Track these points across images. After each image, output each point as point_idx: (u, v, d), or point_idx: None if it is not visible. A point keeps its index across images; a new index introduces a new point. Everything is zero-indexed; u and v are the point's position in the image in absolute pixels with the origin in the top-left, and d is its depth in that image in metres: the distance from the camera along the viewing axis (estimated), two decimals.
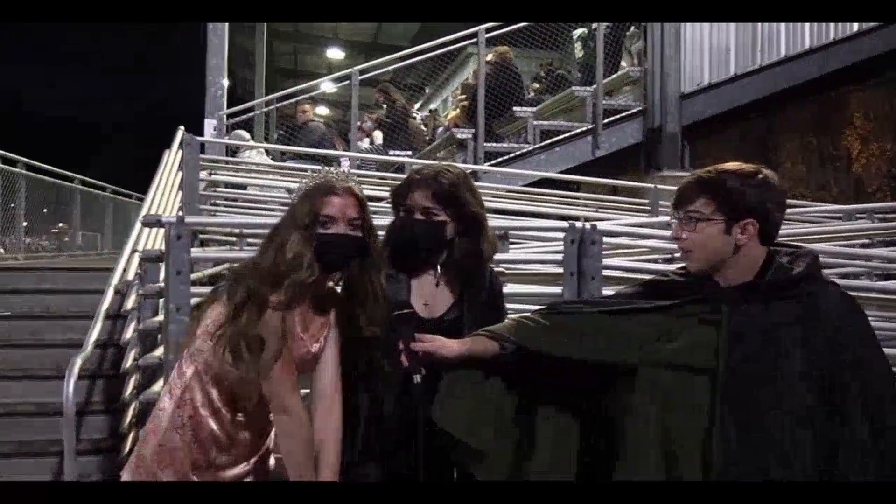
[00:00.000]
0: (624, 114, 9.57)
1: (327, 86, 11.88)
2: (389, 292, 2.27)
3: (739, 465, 1.89)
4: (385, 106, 10.09)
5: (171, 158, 6.59)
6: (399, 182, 2.45)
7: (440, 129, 10.58)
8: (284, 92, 10.40)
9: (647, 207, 7.63)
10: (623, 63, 9.98)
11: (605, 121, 9.31)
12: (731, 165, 2.03)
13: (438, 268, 2.38)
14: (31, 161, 9.91)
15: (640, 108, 9.60)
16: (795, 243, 2.17)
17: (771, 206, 1.98)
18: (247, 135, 9.49)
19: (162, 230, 3.44)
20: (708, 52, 9.75)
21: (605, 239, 3.68)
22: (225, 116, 9.50)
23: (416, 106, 13.32)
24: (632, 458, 2.00)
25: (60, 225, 12.76)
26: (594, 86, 9.36)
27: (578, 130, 9.30)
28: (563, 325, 2.15)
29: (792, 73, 9.30)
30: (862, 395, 1.90)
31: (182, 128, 6.99)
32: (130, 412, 4.42)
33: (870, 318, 2.09)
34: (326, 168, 2.28)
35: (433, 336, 2.17)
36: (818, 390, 1.90)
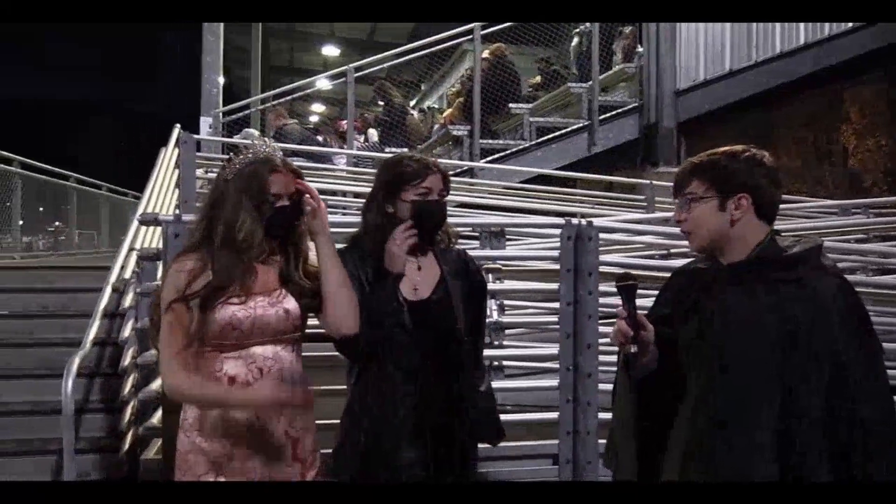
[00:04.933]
0: (620, 110, 9.59)
1: (323, 83, 11.87)
2: (377, 285, 2.39)
3: (738, 451, 1.91)
4: (382, 103, 10.09)
5: (168, 156, 6.59)
6: (405, 166, 2.50)
7: (436, 126, 10.59)
8: (280, 90, 10.38)
9: (643, 203, 7.65)
10: (616, 60, 10.01)
11: (602, 117, 9.33)
12: (722, 148, 2.09)
13: (421, 251, 2.51)
14: (27, 160, 9.89)
15: (636, 104, 9.62)
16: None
17: (763, 181, 2.02)
18: (256, 133, 9.47)
19: (159, 228, 3.44)
20: (703, 48, 9.77)
21: (602, 235, 3.70)
22: (221, 114, 9.51)
23: (412, 103, 13.32)
24: (667, 457, 2.04)
25: (56, 224, 12.74)
26: (590, 82, 9.37)
27: (574, 127, 9.31)
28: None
29: (787, 69, 9.32)
30: (844, 388, 1.89)
31: (178, 126, 6.99)
32: (129, 410, 4.41)
33: None
34: (256, 142, 2.37)
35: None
36: (800, 377, 1.90)
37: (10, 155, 9.23)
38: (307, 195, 2.29)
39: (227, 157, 2.38)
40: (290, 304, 2.27)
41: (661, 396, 2.08)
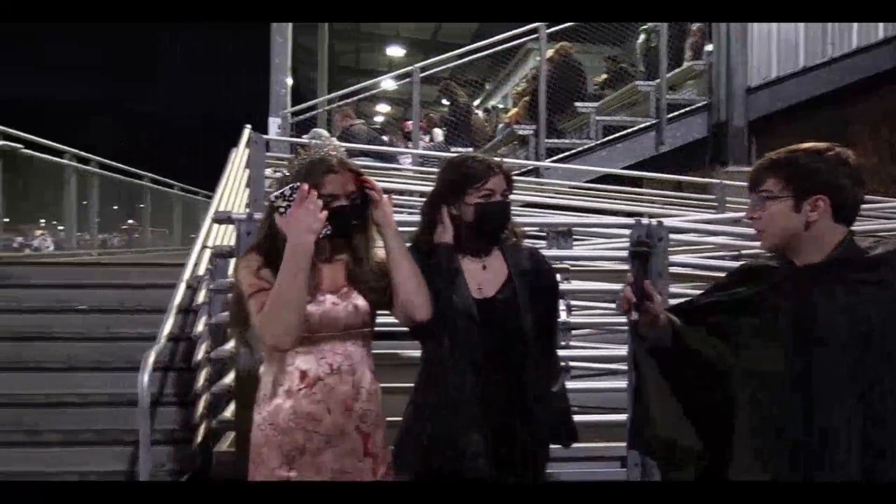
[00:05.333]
0: (688, 108, 9.42)
1: (388, 83, 11.96)
2: (443, 280, 2.39)
3: (816, 454, 1.87)
4: (448, 103, 10.12)
5: (239, 156, 6.72)
6: (468, 168, 2.50)
7: (501, 126, 10.58)
8: (346, 90, 10.50)
9: (713, 204, 7.51)
10: (685, 57, 9.85)
11: (669, 116, 9.19)
12: (804, 145, 2.01)
13: (486, 250, 2.52)
14: (104, 160, 10.20)
15: (705, 102, 9.44)
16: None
17: (846, 181, 1.95)
18: (325, 133, 9.59)
19: (232, 226, 3.53)
20: (776, 44, 9.53)
21: (672, 235, 3.65)
22: (289, 115, 9.66)
23: (476, 102, 13.32)
24: (734, 455, 1.99)
25: (130, 221, 13.11)
26: (657, 80, 9.23)
27: (642, 125, 9.19)
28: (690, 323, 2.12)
29: (864, 65, 9.03)
30: None
31: (248, 126, 7.13)
32: (202, 404, 4.53)
33: None
34: (316, 142, 2.43)
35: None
36: (876, 378, 1.85)
37: (89, 155, 9.53)
38: (369, 189, 2.31)
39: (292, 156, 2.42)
40: (359, 300, 2.30)
41: (679, 376, 2.08)
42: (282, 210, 2.18)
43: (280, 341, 2.18)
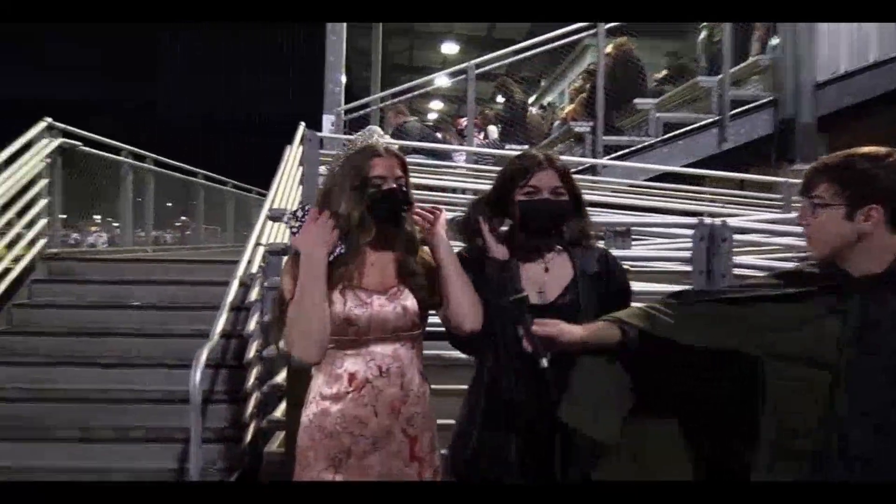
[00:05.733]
0: (753, 105, 9.19)
1: (442, 80, 11.95)
2: (500, 281, 2.34)
3: (865, 462, 1.82)
4: (503, 100, 10.07)
5: (293, 154, 6.78)
6: (514, 164, 2.45)
7: (556, 123, 10.48)
8: (400, 87, 10.51)
9: (779, 203, 7.32)
10: (751, 51, 9.62)
11: (733, 112, 8.97)
12: (863, 149, 1.93)
13: (547, 250, 2.43)
14: (159, 157, 10.38)
15: (771, 98, 9.20)
16: None
17: None
18: (379, 130, 9.60)
19: (285, 224, 3.53)
20: (846, 38, 9.24)
21: (736, 236, 3.57)
22: (342, 112, 9.71)
23: (532, 99, 13.24)
24: (750, 453, 1.96)
25: (183, 218, 13.34)
26: (720, 76, 9.04)
27: (704, 122, 9.00)
28: (689, 314, 2.10)
29: None
30: None
31: (303, 124, 7.18)
32: (252, 402, 4.56)
33: None
34: (361, 134, 2.43)
35: (554, 321, 2.17)
36: None
37: (144, 152, 9.71)
38: (422, 214, 2.34)
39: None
40: (409, 300, 2.29)
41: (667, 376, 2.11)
42: (294, 230, 2.26)
43: (305, 354, 2.20)
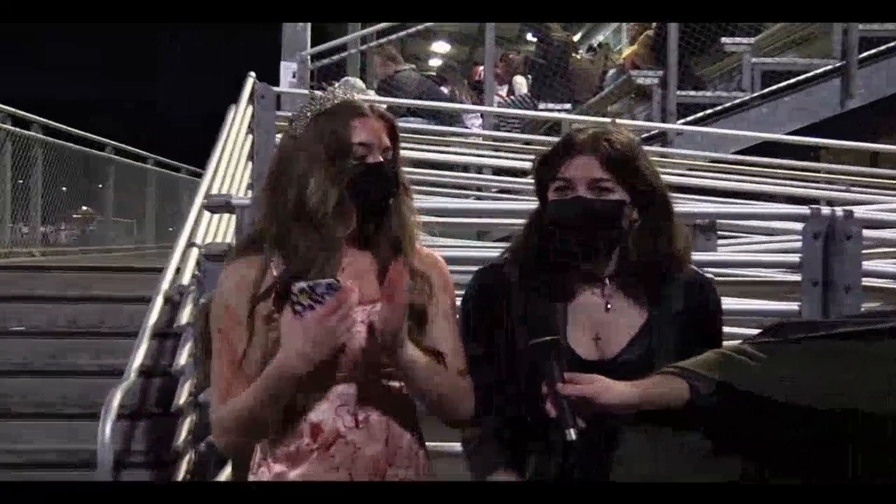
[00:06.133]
0: (892, 44, 9.22)
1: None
2: (537, 319, 2.18)
3: None
4: (535, 40, 10.11)
5: (239, 117, 6.80)
6: (549, 147, 2.36)
7: (611, 72, 10.51)
8: (389, 23, 10.49)
9: None
10: None
11: (862, 56, 9.00)
12: None
13: (608, 279, 2.28)
14: (50, 122, 10.39)
15: None
16: None
17: None
18: (361, 84, 9.59)
19: (232, 216, 3.58)
20: None
21: (866, 232, 3.60)
22: (308, 58, 9.73)
23: (577, 37, 13.26)
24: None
25: (84, 208, 13.31)
26: None
27: (820, 71, 9.03)
28: (787, 357, 2.11)
29: None
30: None
31: (253, 75, 7.21)
32: (184, 466, 4.59)
33: None
34: (334, 89, 2.41)
35: (591, 376, 2.08)
36: None
37: (30, 116, 9.76)
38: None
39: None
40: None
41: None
42: (299, 309, 2.06)
43: (226, 452, 2.24)
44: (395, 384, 2.26)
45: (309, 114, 2.29)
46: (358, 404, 2.23)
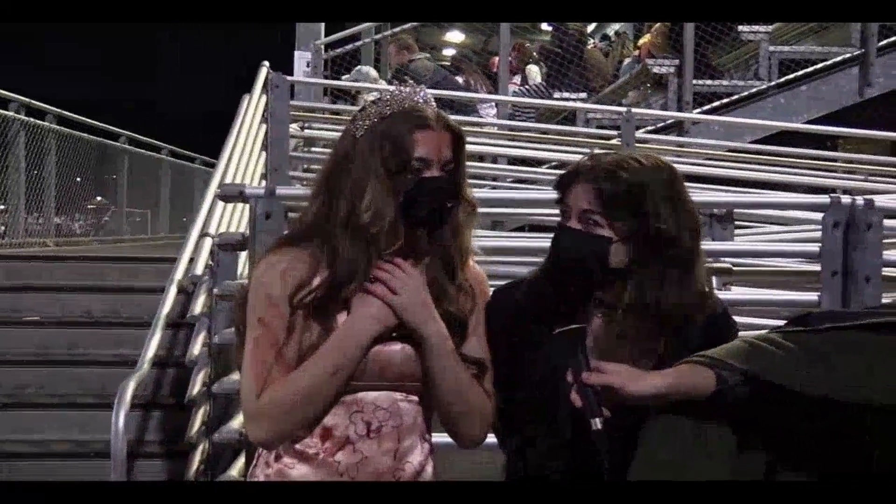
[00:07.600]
0: None
1: None
2: (555, 350, 2.11)
3: None
4: (550, 28, 10.09)
5: (252, 107, 6.79)
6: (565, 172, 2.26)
7: (627, 61, 10.49)
8: None
9: None
10: None
11: (882, 43, 8.95)
12: None
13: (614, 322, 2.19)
14: (64, 112, 10.40)
15: None
16: None
17: None
18: (374, 73, 9.59)
19: (245, 206, 3.56)
20: None
21: (887, 221, 3.57)
22: (322, 48, 9.73)
23: (591, 27, 13.23)
24: None
25: (98, 199, 13.35)
26: None
27: (839, 59, 8.99)
28: (815, 347, 2.09)
29: None
30: None
31: (266, 64, 7.20)
32: (197, 457, 4.59)
33: None
34: (399, 86, 2.27)
35: (618, 365, 2.06)
36: None
37: (43, 106, 9.75)
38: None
39: (354, 106, 2.29)
40: None
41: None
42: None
43: (270, 444, 2.19)
44: (415, 399, 2.23)
45: (372, 113, 2.21)
46: (372, 413, 2.20)
